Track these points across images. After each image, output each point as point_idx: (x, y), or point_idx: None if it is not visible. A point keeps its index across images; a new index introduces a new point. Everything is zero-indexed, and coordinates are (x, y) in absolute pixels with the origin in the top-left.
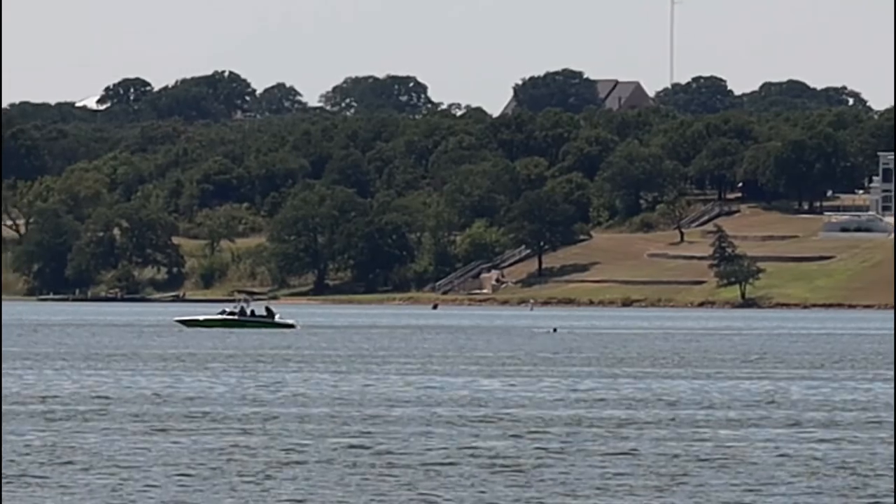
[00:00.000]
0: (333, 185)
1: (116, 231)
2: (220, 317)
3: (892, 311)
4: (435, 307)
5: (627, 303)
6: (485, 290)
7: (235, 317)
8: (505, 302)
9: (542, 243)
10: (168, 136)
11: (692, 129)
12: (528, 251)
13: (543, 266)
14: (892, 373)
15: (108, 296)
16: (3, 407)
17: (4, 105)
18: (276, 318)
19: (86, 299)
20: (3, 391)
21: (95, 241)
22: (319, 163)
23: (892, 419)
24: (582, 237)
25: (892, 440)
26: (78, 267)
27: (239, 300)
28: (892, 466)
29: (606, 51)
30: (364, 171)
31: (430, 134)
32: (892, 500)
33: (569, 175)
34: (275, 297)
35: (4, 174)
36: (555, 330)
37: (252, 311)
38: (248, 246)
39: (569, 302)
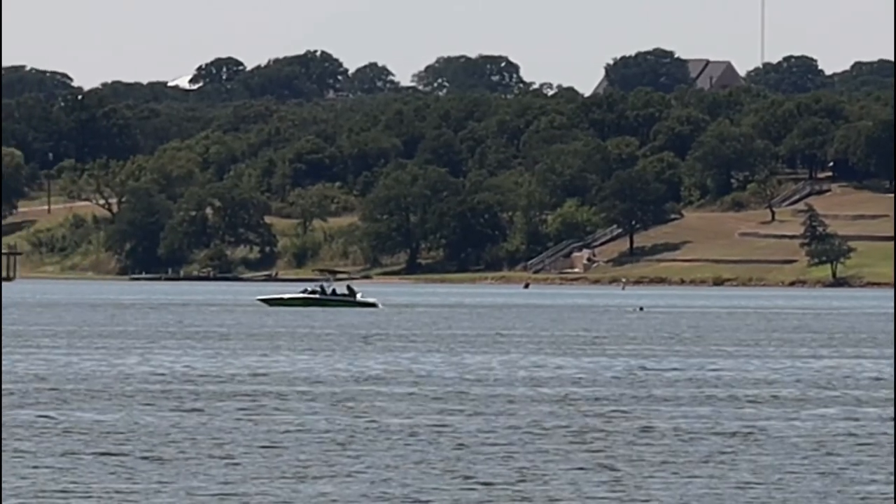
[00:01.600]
0: (426, 164)
1: (209, 210)
2: (301, 295)
3: None
4: (526, 286)
5: (719, 282)
6: (576, 270)
7: (317, 295)
8: (596, 281)
9: (633, 222)
10: (260, 116)
11: (783, 108)
12: (620, 230)
13: (635, 245)
14: None
15: (200, 275)
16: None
17: (98, 84)
18: (358, 298)
19: (178, 278)
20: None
21: (188, 221)
22: (412, 142)
23: (892, 408)
24: (673, 216)
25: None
26: (170, 246)
27: (320, 279)
28: (893, 464)
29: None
30: (456, 151)
31: (522, 113)
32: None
33: (660, 154)
34: (367, 277)
35: (98, 153)
36: (641, 308)
37: (333, 290)
38: (341, 225)
39: (660, 281)
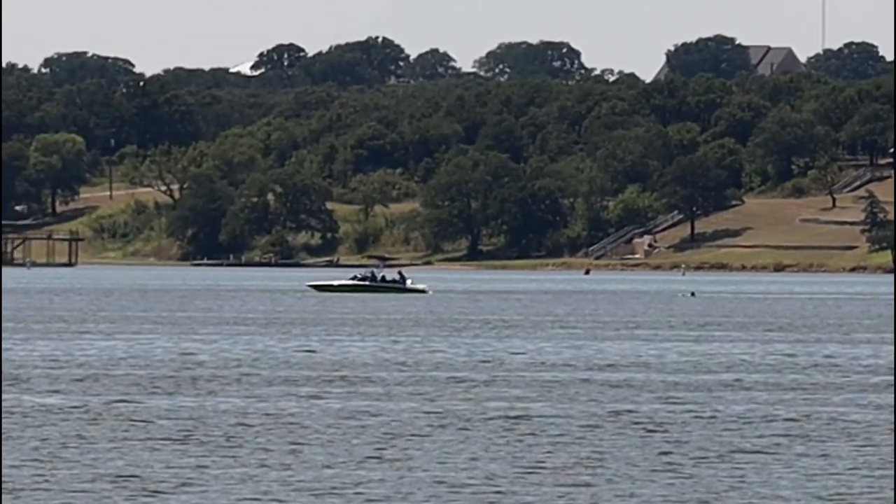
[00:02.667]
0: (487, 150)
1: (270, 196)
2: (351, 282)
3: None
4: (587, 272)
5: (779, 268)
6: (637, 256)
7: (367, 282)
8: (657, 267)
9: (694, 208)
10: (322, 102)
11: (844, 94)
12: (681, 216)
13: (695, 231)
14: None
15: (261, 261)
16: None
17: (160, 70)
18: (408, 284)
19: (239, 264)
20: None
21: (249, 207)
22: (473, 128)
23: (893, 399)
24: (734, 202)
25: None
26: (232, 232)
27: (370, 265)
28: (893, 461)
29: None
30: (517, 137)
31: (584, 99)
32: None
33: (721, 140)
34: (428, 263)
35: (160, 139)
36: (693, 294)
37: (383, 277)
38: (402, 211)
39: (721, 267)
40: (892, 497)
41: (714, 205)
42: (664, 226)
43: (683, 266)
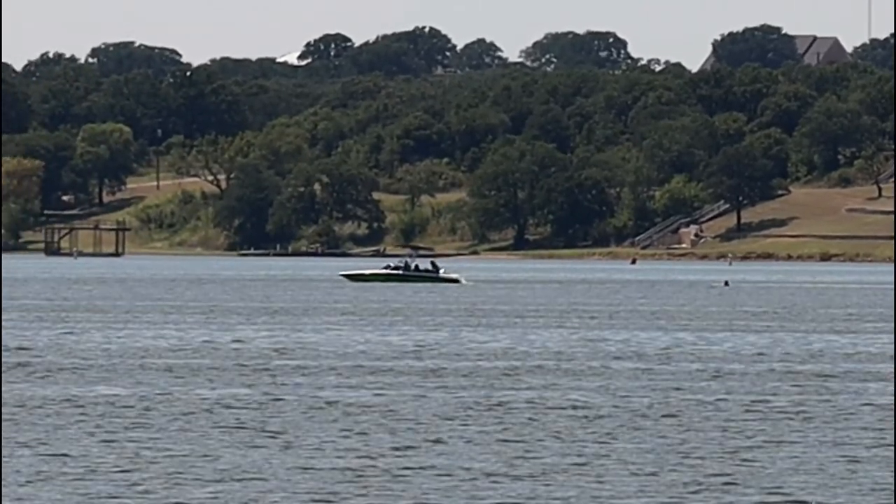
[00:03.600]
0: (533, 140)
1: (317, 186)
2: (384, 271)
3: None
4: (633, 262)
5: (826, 258)
6: (683, 245)
7: (400, 271)
8: (704, 257)
9: (740, 198)
10: (368, 92)
11: (890, 84)
12: (727, 206)
13: (742, 221)
14: None
15: (308, 251)
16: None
17: (207, 60)
18: (441, 273)
19: (286, 254)
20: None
21: (296, 197)
22: (519, 118)
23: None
24: (780, 192)
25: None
26: (279, 222)
27: (404, 255)
28: (893, 461)
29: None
30: (564, 127)
31: (630, 89)
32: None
33: (767, 130)
34: (475, 252)
35: (206, 129)
36: (727, 283)
37: (416, 266)
38: (449, 201)
39: (767, 257)
40: (893, 497)
41: (760, 195)
42: (710, 215)
43: (730, 256)
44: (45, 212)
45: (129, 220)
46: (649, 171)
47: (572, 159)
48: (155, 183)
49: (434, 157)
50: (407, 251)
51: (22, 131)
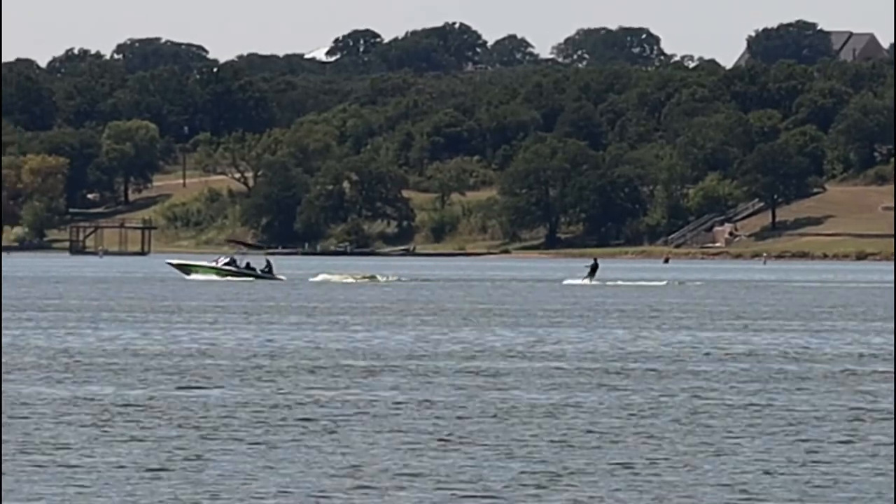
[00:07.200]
0: (565, 137)
1: (346, 184)
2: (206, 264)
3: None
4: (666, 261)
5: (861, 256)
6: (718, 244)
7: (233, 267)
8: (738, 256)
9: (775, 196)
10: (398, 89)
11: None
12: (762, 204)
13: (777, 219)
14: None
15: (337, 249)
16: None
17: (234, 56)
18: (273, 273)
19: (315, 253)
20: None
21: (325, 195)
22: (551, 115)
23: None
24: (816, 190)
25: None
26: (307, 220)
27: (236, 252)
28: (893, 460)
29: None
30: (596, 124)
31: (663, 86)
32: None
33: (802, 127)
34: (506, 251)
35: (233, 126)
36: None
37: (247, 264)
38: (479, 199)
39: (803, 255)
40: (893, 497)
41: (795, 192)
42: (745, 214)
43: (764, 254)
44: (70, 210)
45: (155, 218)
46: (683, 169)
47: (605, 157)
48: (181, 181)
49: (464, 154)
50: (240, 248)
51: (47, 128)
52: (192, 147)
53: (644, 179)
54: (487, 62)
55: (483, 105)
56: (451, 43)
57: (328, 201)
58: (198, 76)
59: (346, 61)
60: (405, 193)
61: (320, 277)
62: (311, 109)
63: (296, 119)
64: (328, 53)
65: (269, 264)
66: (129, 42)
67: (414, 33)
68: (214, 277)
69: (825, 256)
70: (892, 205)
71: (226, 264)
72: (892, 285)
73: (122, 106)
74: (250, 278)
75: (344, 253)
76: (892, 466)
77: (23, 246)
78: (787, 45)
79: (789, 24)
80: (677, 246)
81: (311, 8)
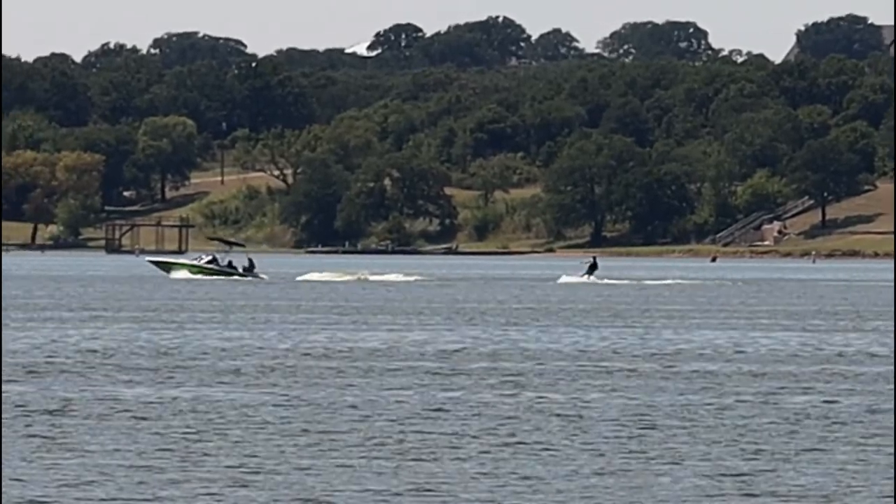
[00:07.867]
0: (611, 133)
1: (387, 181)
2: (190, 262)
3: None
4: (713, 260)
5: None
6: (766, 242)
7: (213, 266)
8: (787, 254)
9: (825, 194)
10: (440, 84)
11: None
12: (812, 202)
13: (827, 217)
14: None
15: (378, 248)
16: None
17: (272, 51)
18: (255, 272)
19: (355, 252)
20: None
21: (365, 192)
22: (597, 111)
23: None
24: (866, 187)
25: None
26: (347, 218)
27: (221, 250)
28: (893, 460)
29: None
30: (642, 120)
31: (711, 81)
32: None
33: (853, 124)
34: (550, 250)
35: (272, 122)
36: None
37: (229, 262)
38: (523, 197)
39: (853, 254)
40: (893, 497)
41: (846, 190)
42: (794, 212)
43: (814, 253)
44: (106, 208)
45: (193, 216)
46: (731, 166)
47: (651, 153)
48: (219, 178)
49: (508, 151)
50: (219, 245)
51: (82, 124)
52: (230, 144)
53: (691, 177)
54: (531, 57)
55: (527, 101)
56: (495, 37)
57: (369, 199)
58: (236, 71)
59: (387, 56)
60: (447, 191)
61: (307, 276)
62: (352, 105)
63: (336, 115)
64: (369, 48)
65: (251, 262)
66: (165, 36)
67: (456, 27)
68: (193, 276)
69: (876, 255)
70: None
71: (208, 262)
72: None
73: (159, 101)
74: (232, 277)
75: (385, 251)
76: None
77: (58, 244)
78: (837, 40)
79: (840, 18)
80: (725, 244)
81: (351, 1)
